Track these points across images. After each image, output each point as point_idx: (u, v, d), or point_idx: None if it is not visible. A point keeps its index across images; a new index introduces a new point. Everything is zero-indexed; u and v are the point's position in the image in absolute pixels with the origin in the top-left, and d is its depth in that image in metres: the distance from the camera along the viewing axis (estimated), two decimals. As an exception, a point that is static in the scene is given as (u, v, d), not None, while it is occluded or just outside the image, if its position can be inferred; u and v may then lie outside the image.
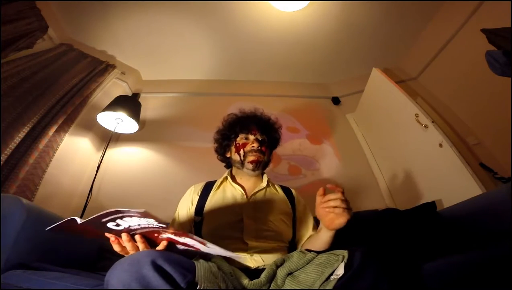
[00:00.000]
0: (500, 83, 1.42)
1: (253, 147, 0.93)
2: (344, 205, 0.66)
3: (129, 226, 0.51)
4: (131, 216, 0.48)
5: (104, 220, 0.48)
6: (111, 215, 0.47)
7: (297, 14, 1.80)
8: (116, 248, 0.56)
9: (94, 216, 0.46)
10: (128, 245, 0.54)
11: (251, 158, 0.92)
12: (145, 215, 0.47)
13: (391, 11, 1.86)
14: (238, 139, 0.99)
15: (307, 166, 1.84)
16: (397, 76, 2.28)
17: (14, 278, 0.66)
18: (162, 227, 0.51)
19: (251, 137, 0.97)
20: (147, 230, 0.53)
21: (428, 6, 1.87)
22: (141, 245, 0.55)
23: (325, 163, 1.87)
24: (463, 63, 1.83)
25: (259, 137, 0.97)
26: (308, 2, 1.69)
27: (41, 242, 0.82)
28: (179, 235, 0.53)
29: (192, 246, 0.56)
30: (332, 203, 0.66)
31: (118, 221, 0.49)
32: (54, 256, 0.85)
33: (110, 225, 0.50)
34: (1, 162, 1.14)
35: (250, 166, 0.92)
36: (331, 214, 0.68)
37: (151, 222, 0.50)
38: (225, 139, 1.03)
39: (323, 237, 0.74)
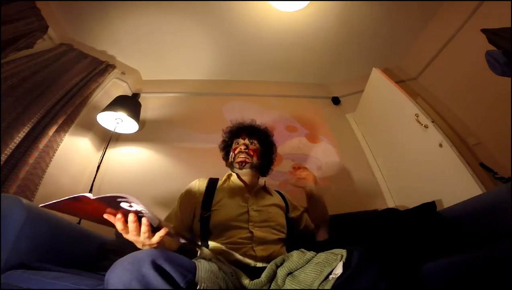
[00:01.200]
0: (500, 83, 1.42)
1: (240, 148, 1.07)
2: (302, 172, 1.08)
3: (141, 210, 0.53)
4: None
5: (118, 199, 0.50)
6: (126, 199, 0.49)
7: (297, 14, 1.80)
8: (119, 226, 0.56)
9: (111, 195, 0.49)
10: (132, 226, 0.55)
11: (238, 159, 1.06)
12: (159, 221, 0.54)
13: (391, 11, 1.86)
14: (233, 145, 1.14)
15: (309, 165, 1.85)
16: (397, 76, 2.28)
17: (14, 278, 0.66)
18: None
19: (241, 141, 1.11)
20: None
21: (428, 6, 1.87)
22: (144, 227, 0.55)
23: (327, 162, 1.87)
24: (463, 63, 1.83)
25: (247, 142, 1.10)
26: (308, 2, 1.69)
27: (42, 242, 0.82)
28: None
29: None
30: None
31: (132, 203, 0.51)
32: (54, 256, 0.85)
33: (124, 205, 0.52)
34: (1, 162, 1.14)
35: (237, 165, 1.06)
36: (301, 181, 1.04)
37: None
38: (225, 148, 1.20)
39: (316, 200, 1.02)
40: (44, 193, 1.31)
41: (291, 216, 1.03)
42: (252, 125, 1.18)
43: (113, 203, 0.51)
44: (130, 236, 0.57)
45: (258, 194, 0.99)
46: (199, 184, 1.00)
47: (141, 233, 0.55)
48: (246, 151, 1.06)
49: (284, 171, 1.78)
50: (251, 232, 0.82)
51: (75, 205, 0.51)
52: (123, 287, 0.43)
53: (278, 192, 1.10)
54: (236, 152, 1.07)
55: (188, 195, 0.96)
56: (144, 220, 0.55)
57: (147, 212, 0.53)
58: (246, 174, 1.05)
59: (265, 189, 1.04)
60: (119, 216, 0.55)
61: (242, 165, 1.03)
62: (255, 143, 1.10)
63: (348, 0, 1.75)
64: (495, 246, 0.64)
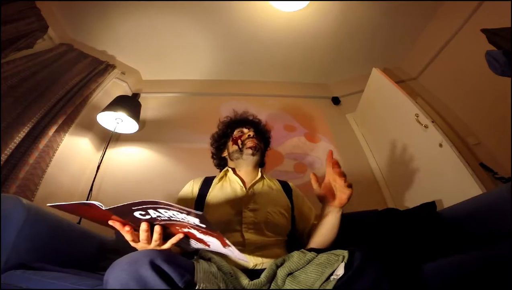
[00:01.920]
0: (500, 83, 1.42)
1: (249, 134, 1.02)
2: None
3: (157, 217, 0.50)
4: (168, 209, 0.47)
5: (134, 207, 0.47)
6: (150, 204, 0.46)
7: (297, 14, 1.80)
8: (128, 237, 0.55)
9: (129, 203, 0.46)
10: (144, 235, 0.53)
11: (249, 144, 0.99)
12: (199, 217, 0.46)
13: (391, 11, 1.86)
14: (234, 133, 1.07)
15: (312, 164, 1.86)
16: (397, 76, 2.28)
17: (14, 278, 0.66)
18: (201, 227, 0.49)
19: (246, 130, 1.06)
20: (173, 222, 0.52)
21: (428, 6, 1.87)
22: (156, 235, 0.54)
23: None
24: (463, 64, 1.83)
25: (252, 133, 1.05)
26: (308, 2, 1.69)
27: (41, 242, 0.82)
28: (205, 233, 0.51)
29: (205, 243, 0.55)
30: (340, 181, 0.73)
31: (150, 210, 0.48)
32: (54, 256, 0.85)
33: (138, 213, 0.49)
34: (1, 162, 1.14)
35: (250, 151, 0.98)
36: (336, 191, 0.74)
37: (188, 219, 0.48)
38: (222, 138, 1.11)
39: (333, 220, 0.76)
40: (44, 193, 1.31)
41: (295, 216, 0.91)
42: (254, 119, 1.16)
43: (126, 212, 0.49)
44: (140, 245, 0.55)
45: (256, 189, 0.92)
46: (193, 184, 0.96)
47: (152, 241, 0.54)
48: (255, 137, 1.03)
49: (288, 170, 1.78)
50: (243, 237, 0.76)
51: (82, 207, 0.50)
52: (121, 287, 0.43)
53: (284, 183, 1.01)
54: (243, 138, 1.02)
55: (182, 197, 0.93)
56: (157, 228, 0.53)
57: (175, 217, 0.48)
58: (250, 163, 0.98)
59: (264, 180, 0.97)
60: (127, 228, 0.53)
61: (256, 148, 0.98)
62: (258, 137, 1.08)
63: (348, 0, 1.75)
64: (495, 246, 0.64)
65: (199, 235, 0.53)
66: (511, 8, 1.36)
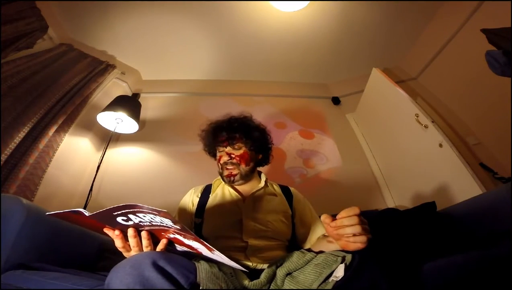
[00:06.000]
0: (500, 83, 1.42)
1: (224, 160, 0.93)
2: (361, 231, 0.55)
3: (139, 222, 0.50)
4: (145, 213, 0.47)
5: (115, 213, 0.47)
6: (126, 209, 0.46)
7: (297, 14, 1.80)
8: (118, 243, 0.54)
9: (107, 208, 0.45)
10: (133, 241, 0.53)
11: (225, 172, 0.92)
12: (164, 215, 0.46)
13: (391, 11, 1.86)
14: (216, 152, 0.99)
15: (317, 158, 1.89)
16: (397, 76, 2.28)
17: (14, 278, 0.66)
18: (177, 228, 0.50)
19: (223, 150, 0.95)
20: (157, 228, 0.52)
21: (428, 6, 1.87)
22: (145, 241, 0.54)
23: (330, 159, 1.88)
24: (463, 63, 1.84)
25: (229, 149, 0.94)
26: (308, 2, 1.69)
27: (41, 242, 0.82)
28: (189, 238, 0.52)
29: (195, 250, 0.56)
30: (349, 230, 0.56)
31: (130, 215, 0.48)
32: (54, 256, 0.85)
33: (120, 219, 0.49)
34: (1, 162, 1.14)
35: (226, 180, 0.93)
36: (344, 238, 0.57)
37: (166, 222, 0.48)
38: (209, 153, 1.06)
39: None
40: (44, 193, 1.31)
41: (295, 223, 0.89)
42: (229, 125, 0.97)
43: (109, 218, 0.48)
44: (132, 253, 0.55)
45: (256, 198, 0.90)
46: (193, 194, 0.96)
47: (144, 248, 0.54)
48: (231, 161, 0.92)
49: (294, 166, 1.80)
50: (245, 242, 0.76)
51: (75, 216, 0.49)
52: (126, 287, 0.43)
53: (285, 189, 0.98)
54: (221, 162, 0.94)
55: (183, 206, 0.94)
56: (143, 234, 0.53)
57: (152, 220, 0.48)
58: (237, 184, 0.93)
59: (266, 188, 0.95)
60: (117, 232, 0.52)
61: (230, 180, 0.91)
62: (240, 146, 0.94)
63: (348, 0, 1.75)
64: (495, 246, 0.64)
65: (186, 241, 0.53)
66: (511, 8, 1.36)
